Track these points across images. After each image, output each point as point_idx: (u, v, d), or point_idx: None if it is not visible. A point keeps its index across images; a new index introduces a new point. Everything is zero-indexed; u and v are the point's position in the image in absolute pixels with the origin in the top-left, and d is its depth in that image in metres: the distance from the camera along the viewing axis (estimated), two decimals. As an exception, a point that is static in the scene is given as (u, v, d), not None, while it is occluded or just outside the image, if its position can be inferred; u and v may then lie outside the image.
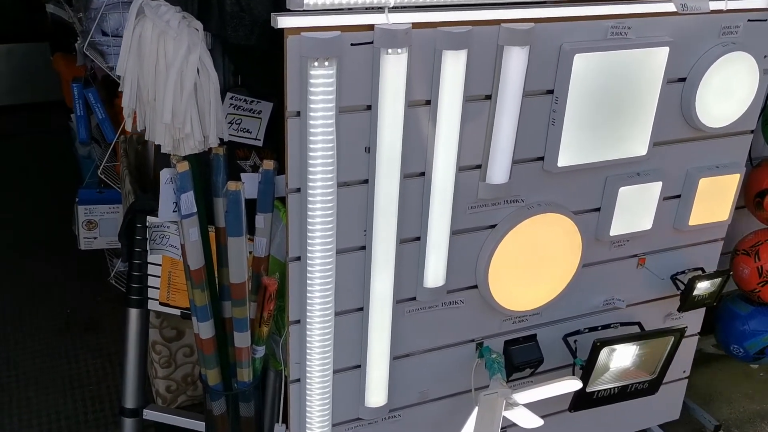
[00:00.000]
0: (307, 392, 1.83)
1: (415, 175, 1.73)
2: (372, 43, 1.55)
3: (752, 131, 2.12)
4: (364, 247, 1.75)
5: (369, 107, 1.61)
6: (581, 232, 1.97)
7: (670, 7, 1.80)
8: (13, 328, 2.96)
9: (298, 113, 1.56)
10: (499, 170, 1.80)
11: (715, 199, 2.14)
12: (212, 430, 1.92)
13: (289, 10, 1.48)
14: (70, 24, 3.02)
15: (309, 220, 1.64)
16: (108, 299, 3.03)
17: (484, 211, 1.85)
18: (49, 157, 4.09)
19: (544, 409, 2.05)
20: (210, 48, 1.90)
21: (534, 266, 1.96)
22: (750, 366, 2.82)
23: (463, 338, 2.01)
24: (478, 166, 1.79)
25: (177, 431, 2.25)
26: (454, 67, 1.62)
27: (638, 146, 1.93)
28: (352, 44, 1.54)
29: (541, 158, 1.85)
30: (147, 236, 2.03)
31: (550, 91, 1.78)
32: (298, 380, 1.84)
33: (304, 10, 1.48)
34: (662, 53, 1.83)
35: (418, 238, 1.80)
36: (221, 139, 1.61)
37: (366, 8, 1.53)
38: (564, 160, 1.85)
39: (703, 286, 2.17)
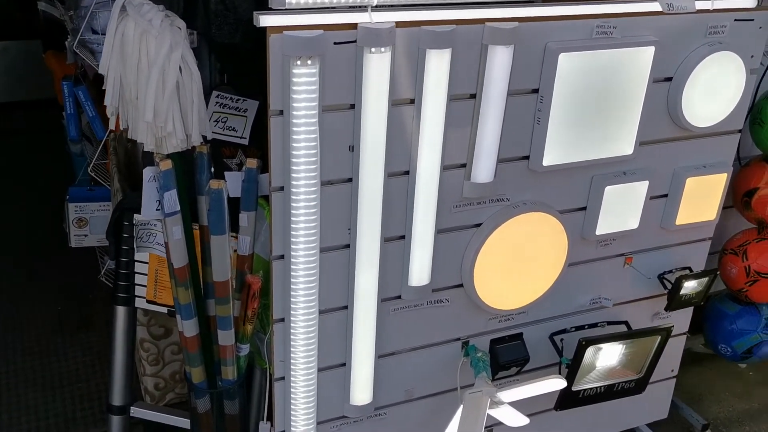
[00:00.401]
0: (292, 390, 1.84)
1: (400, 174, 1.73)
2: (355, 42, 1.55)
3: (740, 131, 2.12)
4: (348, 246, 1.76)
5: (353, 106, 1.62)
6: (567, 231, 1.97)
7: (656, 7, 1.81)
8: (5, 325, 2.96)
9: (281, 112, 1.56)
10: (483, 169, 1.80)
11: (703, 199, 2.14)
12: (197, 428, 1.93)
13: (271, 9, 1.48)
14: (62, 21, 3.02)
15: (292, 218, 1.64)
16: (99, 297, 3.03)
17: (469, 209, 1.85)
18: (42, 154, 4.08)
19: (530, 408, 2.06)
20: (196, 46, 1.91)
21: (519, 265, 1.96)
22: (738, 365, 2.83)
23: (449, 337, 2.01)
24: (463, 165, 1.79)
25: (165, 428, 2.26)
26: (438, 66, 1.62)
27: (624, 145, 1.93)
28: (335, 43, 1.54)
29: (527, 157, 1.86)
30: (134, 234, 2.03)
31: (535, 90, 1.78)
32: (283, 378, 1.85)
33: (286, 9, 1.48)
34: (648, 53, 1.84)
35: (403, 237, 1.81)
36: (205, 138, 1.61)
37: (349, 7, 1.53)
38: (549, 159, 1.85)
39: (690, 286, 2.18)
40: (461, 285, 1.94)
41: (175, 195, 1.60)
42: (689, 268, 2.24)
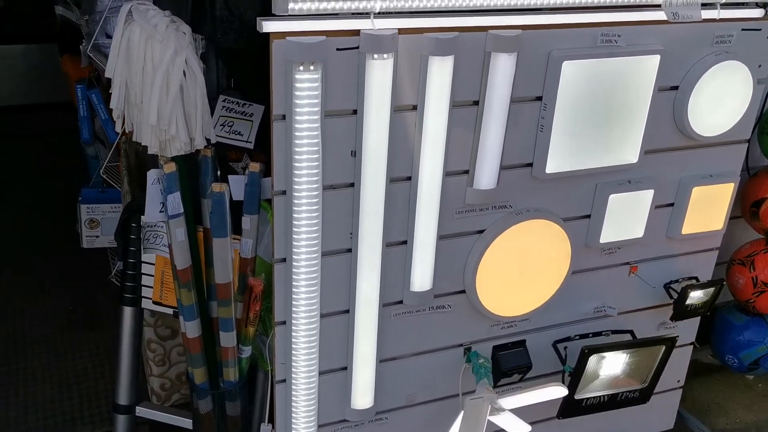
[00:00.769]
0: (293, 393, 1.85)
1: (402, 179, 1.74)
2: (358, 48, 1.56)
3: (747, 141, 2.11)
4: (350, 250, 1.77)
5: (355, 111, 1.63)
6: (570, 238, 1.97)
7: (662, 16, 1.80)
8: (16, 323, 3.00)
9: (284, 116, 1.58)
10: (486, 176, 1.80)
11: (709, 208, 2.13)
12: (199, 428, 1.95)
13: (275, 15, 1.50)
14: (78, 26, 3.06)
15: (294, 222, 1.65)
16: (109, 297, 3.06)
17: (471, 216, 1.86)
18: (59, 156, 4.14)
19: (533, 416, 2.06)
20: (203, 51, 1.93)
21: (522, 272, 1.96)
22: (746, 377, 2.80)
23: (451, 343, 2.02)
24: (466, 171, 1.80)
25: (170, 429, 2.28)
26: (440, 72, 1.63)
27: (629, 154, 1.93)
28: (337, 49, 1.55)
29: (530, 164, 1.86)
30: (141, 236, 2.05)
31: (539, 98, 1.79)
32: (284, 381, 1.86)
33: (289, 15, 1.49)
34: (653, 61, 1.83)
35: (405, 242, 1.81)
36: (209, 141, 1.63)
37: (352, 14, 1.54)
38: (552, 166, 1.85)
39: (696, 296, 2.16)
40: (463, 291, 1.94)
41: (178, 197, 1.62)
42: (696, 278, 2.23)
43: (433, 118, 1.68)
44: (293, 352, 1.80)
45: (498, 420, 1.94)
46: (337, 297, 1.81)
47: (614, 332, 2.18)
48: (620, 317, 2.19)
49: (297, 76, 1.52)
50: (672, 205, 2.10)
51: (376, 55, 1.56)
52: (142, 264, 2.08)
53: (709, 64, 1.90)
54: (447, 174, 1.76)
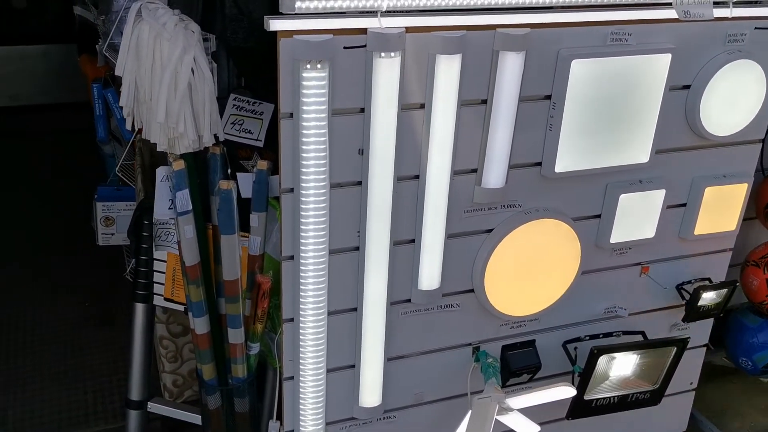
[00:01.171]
0: (301, 390, 1.86)
1: (410, 178, 1.74)
2: (365, 46, 1.57)
3: (761, 141, 2.09)
4: (357, 248, 1.77)
5: (362, 110, 1.63)
6: (580, 238, 1.96)
7: (673, 14, 1.79)
8: (33, 320, 3.05)
9: (291, 114, 1.59)
10: (494, 175, 1.80)
11: (722, 209, 2.11)
12: (208, 424, 1.96)
13: (282, 14, 1.51)
14: (96, 26, 3.09)
15: (302, 220, 1.66)
16: (124, 295, 3.09)
17: (479, 215, 1.86)
18: (78, 154, 4.19)
19: (543, 416, 2.05)
20: (214, 50, 1.95)
21: (531, 272, 1.96)
22: (761, 380, 2.77)
23: (460, 342, 2.02)
24: (474, 170, 1.80)
25: (181, 425, 2.30)
26: (448, 71, 1.63)
27: (639, 153, 1.92)
28: (344, 47, 1.56)
29: (539, 164, 1.85)
30: (153, 233, 2.07)
31: (548, 97, 1.78)
32: (292, 378, 1.87)
33: (297, 14, 1.50)
34: (664, 60, 1.82)
35: (413, 241, 1.82)
36: (217, 139, 1.64)
37: (359, 12, 1.55)
38: (562, 165, 1.84)
39: (708, 297, 2.14)
40: (472, 290, 1.94)
41: (187, 194, 1.64)
42: (708, 279, 2.20)
43: (441, 116, 1.68)
44: (301, 349, 1.80)
45: (507, 420, 1.93)
46: (344, 295, 1.81)
47: (625, 333, 2.17)
48: (631, 318, 2.18)
49: (304, 75, 1.53)
50: (684, 205, 2.08)
51: (383, 54, 1.56)
52: (154, 261, 2.10)
53: (722, 63, 1.88)
54: (455, 173, 1.76)
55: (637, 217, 2.01)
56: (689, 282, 2.18)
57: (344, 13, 1.54)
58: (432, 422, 2.09)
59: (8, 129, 4.69)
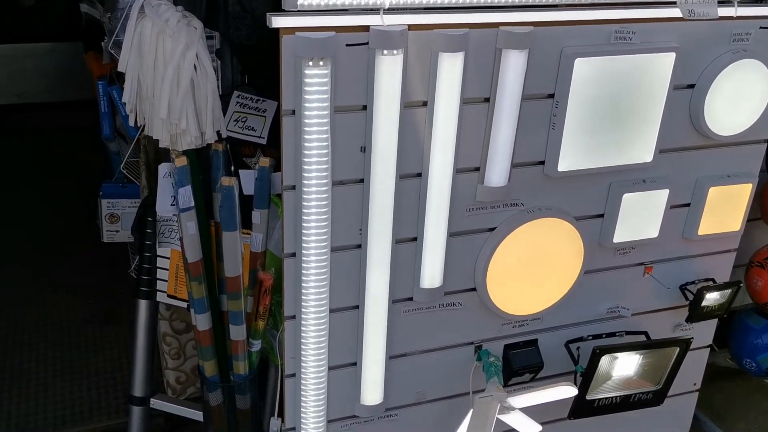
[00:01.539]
0: (302, 387, 1.86)
1: (412, 176, 1.74)
2: (367, 44, 1.57)
3: (766, 140, 2.08)
4: (359, 246, 1.77)
5: (365, 107, 1.63)
6: (583, 238, 1.96)
7: (677, 13, 1.78)
8: (37, 316, 3.06)
9: (293, 112, 1.59)
10: (497, 173, 1.80)
11: (727, 209, 2.10)
12: (209, 421, 1.96)
13: (284, 11, 1.51)
14: (102, 23, 3.10)
15: (304, 217, 1.66)
16: (129, 291, 3.10)
17: (482, 213, 1.85)
18: (84, 152, 4.20)
19: (545, 416, 2.05)
20: (218, 47, 1.95)
21: (534, 271, 1.95)
22: (766, 381, 2.75)
23: (462, 341, 2.01)
24: (477, 169, 1.80)
25: (184, 421, 2.31)
26: (450, 69, 1.63)
27: (643, 153, 1.91)
28: (347, 45, 1.56)
29: (542, 162, 1.85)
30: (156, 230, 2.08)
31: (551, 95, 1.78)
32: (294, 375, 1.87)
33: (298, 11, 1.50)
34: (668, 59, 1.81)
35: (415, 239, 1.82)
36: (220, 135, 1.64)
37: (361, 9, 1.55)
38: (565, 164, 1.84)
39: (712, 297, 2.14)
40: (474, 289, 1.94)
41: (189, 191, 1.64)
42: (712, 280, 2.20)
43: (444, 114, 1.67)
44: (303, 346, 1.81)
45: (508, 419, 1.93)
46: (346, 292, 1.81)
47: (628, 333, 2.16)
48: (634, 318, 2.17)
49: (306, 72, 1.53)
50: (688, 205, 2.07)
51: (385, 51, 1.56)
52: (158, 258, 2.11)
53: (726, 62, 1.87)
54: (457, 171, 1.76)
55: (641, 217, 2.00)
56: (693, 282, 2.17)
57: (346, 10, 1.54)
58: (433, 421, 2.09)
59: (15, 126, 4.72)
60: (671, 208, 2.03)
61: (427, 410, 2.07)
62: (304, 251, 1.69)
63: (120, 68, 1.58)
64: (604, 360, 2.02)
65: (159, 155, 2.61)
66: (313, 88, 1.54)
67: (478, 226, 1.87)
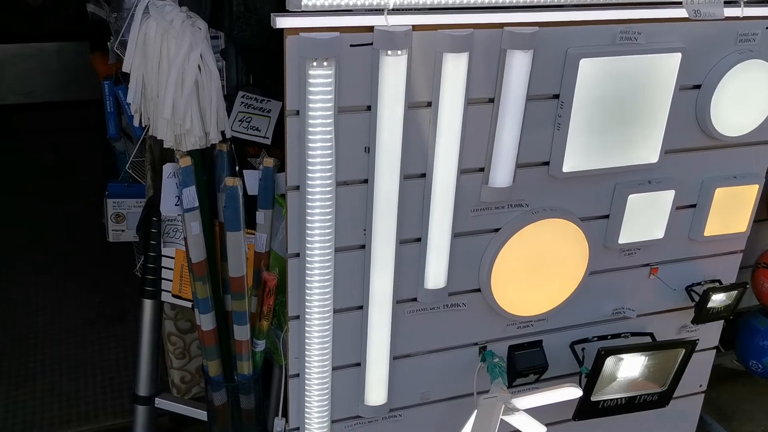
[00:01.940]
0: (306, 388, 1.86)
1: (416, 176, 1.74)
2: (371, 44, 1.56)
3: (773, 141, 2.07)
4: (363, 246, 1.77)
5: (369, 108, 1.63)
6: (588, 238, 1.95)
7: (683, 13, 1.77)
8: (44, 315, 3.07)
9: (297, 112, 1.59)
10: (502, 174, 1.79)
11: (733, 210, 2.09)
12: (214, 421, 1.97)
13: (288, 11, 1.51)
14: (108, 23, 3.11)
15: (308, 217, 1.66)
16: (134, 291, 3.11)
17: (486, 214, 1.85)
18: (90, 151, 4.22)
19: (549, 417, 2.04)
20: (223, 47, 1.96)
21: (538, 271, 1.95)
22: (772, 383, 2.75)
23: (466, 341, 2.01)
24: (481, 169, 1.79)
25: (189, 420, 2.31)
26: (455, 70, 1.63)
27: (649, 153, 1.90)
28: (351, 45, 1.56)
29: (547, 163, 1.84)
30: (161, 230, 2.08)
31: (556, 96, 1.77)
32: (298, 375, 1.87)
33: (302, 11, 1.50)
34: (674, 59, 1.80)
35: (419, 239, 1.81)
36: (224, 136, 1.64)
37: (366, 10, 1.55)
38: (569, 165, 1.83)
39: (718, 299, 2.13)
40: (479, 289, 1.94)
41: (193, 191, 1.64)
42: (718, 281, 2.19)
43: (448, 115, 1.67)
44: (307, 346, 1.81)
45: (513, 420, 1.92)
46: (350, 293, 1.81)
47: (633, 334, 2.15)
48: (640, 319, 2.16)
49: (310, 72, 1.53)
50: (694, 206, 2.06)
51: (389, 52, 1.56)
52: (163, 258, 2.11)
53: (733, 62, 1.86)
54: (462, 171, 1.76)
55: (646, 218, 1.99)
56: (699, 284, 2.16)
57: (351, 10, 1.54)
58: (437, 422, 2.08)
59: (22, 125, 4.74)
60: (677, 209, 2.02)
61: (431, 411, 2.07)
62: (308, 251, 1.69)
63: (124, 68, 1.58)
64: (609, 361, 2.01)
65: (164, 155, 2.62)
66: (318, 88, 1.54)
67: (483, 227, 1.87)
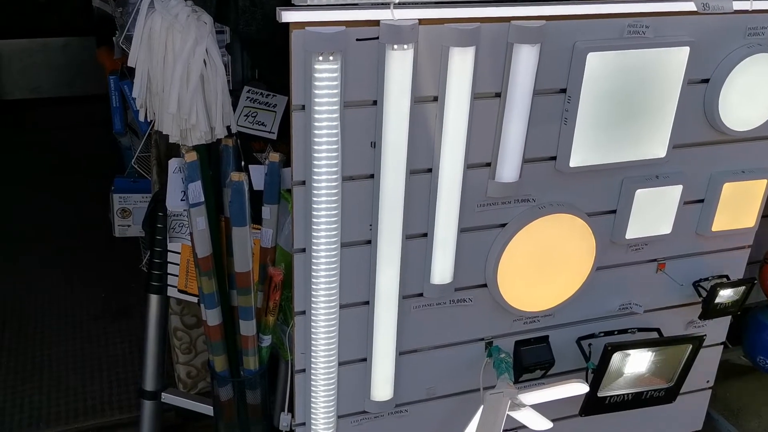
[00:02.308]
0: (312, 383, 1.86)
1: (422, 171, 1.73)
2: (377, 38, 1.56)
3: (782, 136, 2.05)
4: (369, 242, 1.77)
5: (375, 102, 1.63)
6: (595, 234, 1.94)
7: (691, 7, 1.76)
8: (50, 310, 3.08)
9: (303, 107, 1.58)
10: (508, 169, 1.78)
11: (741, 205, 2.08)
12: (220, 416, 1.97)
13: (294, 5, 1.50)
14: (114, 18, 3.11)
15: (314, 212, 1.66)
16: (140, 286, 3.12)
17: (493, 209, 1.84)
18: (96, 146, 4.22)
19: (555, 413, 2.04)
20: (229, 42, 1.95)
21: (545, 267, 1.94)
22: (779, 379, 2.74)
23: (472, 337, 2.01)
24: (488, 164, 1.78)
25: (195, 415, 2.31)
26: (461, 64, 1.62)
27: (656, 148, 1.89)
28: (357, 39, 1.55)
29: (554, 158, 1.83)
30: (167, 225, 2.08)
31: (563, 90, 1.76)
32: (304, 370, 1.87)
33: (308, 5, 1.50)
34: (682, 53, 1.79)
35: (425, 234, 1.81)
36: (230, 131, 1.64)
37: (372, 4, 1.54)
38: (577, 160, 1.82)
39: (726, 294, 2.12)
40: (485, 285, 1.93)
41: (199, 186, 1.64)
42: (726, 276, 2.18)
43: (454, 109, 1.66)
44: (313, 342, 1.80)
45: (519, 416, 1.92)
46: (356, 288, 1.81)
47: (640, 330, 2.14)
48: (647, 315, 2.15)
49: (316, 67, 1.52)
50: (702, 201, 2.05)
51: (396, 46, 1.55)
52: (169, 253, 2.11)
53: (741, 56, 1.85)
54: (468, 166, 1.75)
55: (654, 213, 1.98)
56: (706, 279, 2.15)
57: (357, 4, 1.53)
58: (444, 417, 2.08)
59: (28, 121, 4.74)
60: (685, 204, 2.01)
61: (437, 406, 2.07)
62: (314, 247, 1.69)
63: (130, 63, 1.58)
64: (616, 357, 2.01)
65: (170, 150, 2.62)
66: (323, 83, 1.53)
67: (489, 222, 1.86)
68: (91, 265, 3.36)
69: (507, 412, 1.86)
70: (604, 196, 1.94)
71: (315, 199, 1.64)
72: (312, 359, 1.83)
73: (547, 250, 1.92)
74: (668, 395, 2.15)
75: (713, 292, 2.09)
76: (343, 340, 1.84)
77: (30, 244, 3.52)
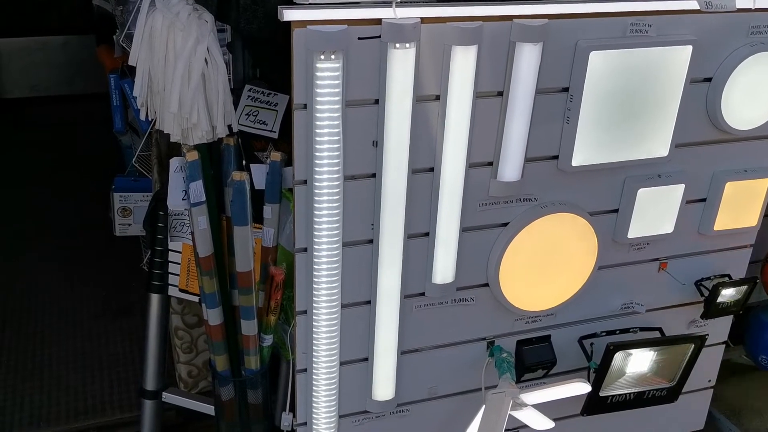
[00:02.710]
0: (314, 382, 1.86)
1: (424, 170, 1.73)
2: (379, 37, 1.55)
3: (785, 135, 2.05)
4: (371, 241, 1.76)
5: (377, 101, 1.62)
6: (597, 233, 1.94)
7: (694, 5, 1.75)
8: (51, 309, 3.07)
9: (305, 106, 1.58)
10: (510, 168, 1.78)
11: (743, 204, 2.07)
12: (221, 416, 1.96)
13: (295, 3, 1.49)
14: (114, 16, 3.10)
15: (315, 212, 1.65)
16: (141, 285, 3.11)
17: (495, 208, 1.84)
18: (97, 145, 4.21)
19: (557, 412, 2.03)
20: (230, 41, 1.94)
21: (547, 266, 1.94)
22: (782, 378, 2.74)
23: (474, 336, 2.00)
24: (490, 163, 1.78)
25: (196, 415, 2.31)
26: (464, 63, 1.61)
27: (659, 147, 1.89)
28: (359, 38, 1.54)
29: (556, 157, 1.83)
30: (168, 224, 2.07)
31: (566, 89, 1.76)
32: (305, 370, 1.86)
33: (310, 3, 1.49)
34: (685, 52, 1.79)
35: (427, 234, 1.80)
36: (231, 130, 1.63)
37: (374, 2, 1.53)
38: (579, 159, 1.82)
39: (728, 294, 2.11)
40: (487, 284, 1.93)
41: (200, 185, 1.64)
42: (728, 276, 2.17)
43: (456, 108, 1.66)
44: (314, 341, 1.80)
45: (521, 415, 1.92)
46: (358, 288, 1.81)
47: (642, 329, 2.14)
48: (649, 314, 2.15)
49: (318, 65, 1.52)
50: (704, 200, 2.05)
51: (398, 45, 1.55)
52: (170, 252, 2.10)
53: (744, 55, 1.84)
54: (470, 165, 1.74)
55: (656, 212, 1.98)
56: (708, 278, 2.15)
57: (358, 3, 1.53)
58: (445, 417, 2.08)
59: (28, 119, 4.73)
60: (687, 203, 2.00)
61: (439, 406, 2.06)
62: (315, 246, 1.69)
63: (130, 62, 1.57)
64: (618, 356, 2.00)
65: (171, 149, 2.61)
66: (325, 81, 1.53)
67: (491, 221, 1.86)
68: (92, 263, 3.35)
69: (509, 412, 1.86)
70: (606, 196, 1.93)
71: (317, 198, 1.64)
72: (313, 359, 1.82)
73: (549, 250, 1.91)
74: (670, 395, 2.15)
75: (715, 292, 2.08)
76: (345, 340, 1.84)
77: (30, 242, 3.52)
